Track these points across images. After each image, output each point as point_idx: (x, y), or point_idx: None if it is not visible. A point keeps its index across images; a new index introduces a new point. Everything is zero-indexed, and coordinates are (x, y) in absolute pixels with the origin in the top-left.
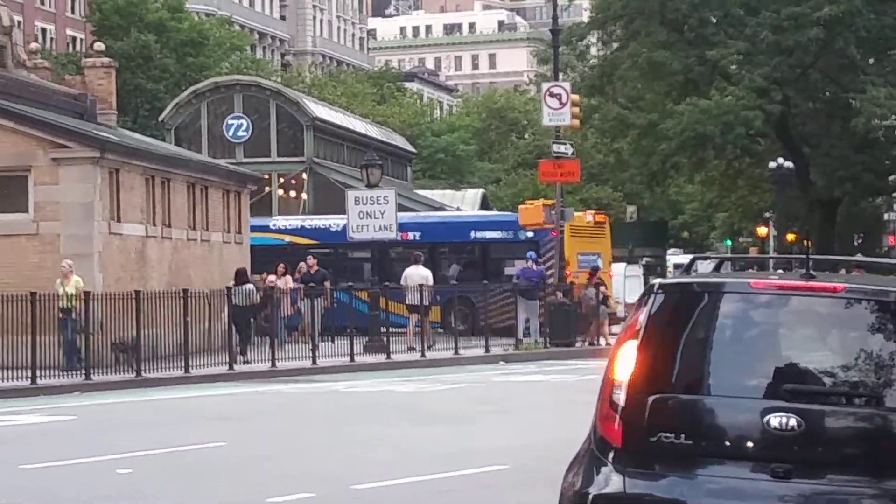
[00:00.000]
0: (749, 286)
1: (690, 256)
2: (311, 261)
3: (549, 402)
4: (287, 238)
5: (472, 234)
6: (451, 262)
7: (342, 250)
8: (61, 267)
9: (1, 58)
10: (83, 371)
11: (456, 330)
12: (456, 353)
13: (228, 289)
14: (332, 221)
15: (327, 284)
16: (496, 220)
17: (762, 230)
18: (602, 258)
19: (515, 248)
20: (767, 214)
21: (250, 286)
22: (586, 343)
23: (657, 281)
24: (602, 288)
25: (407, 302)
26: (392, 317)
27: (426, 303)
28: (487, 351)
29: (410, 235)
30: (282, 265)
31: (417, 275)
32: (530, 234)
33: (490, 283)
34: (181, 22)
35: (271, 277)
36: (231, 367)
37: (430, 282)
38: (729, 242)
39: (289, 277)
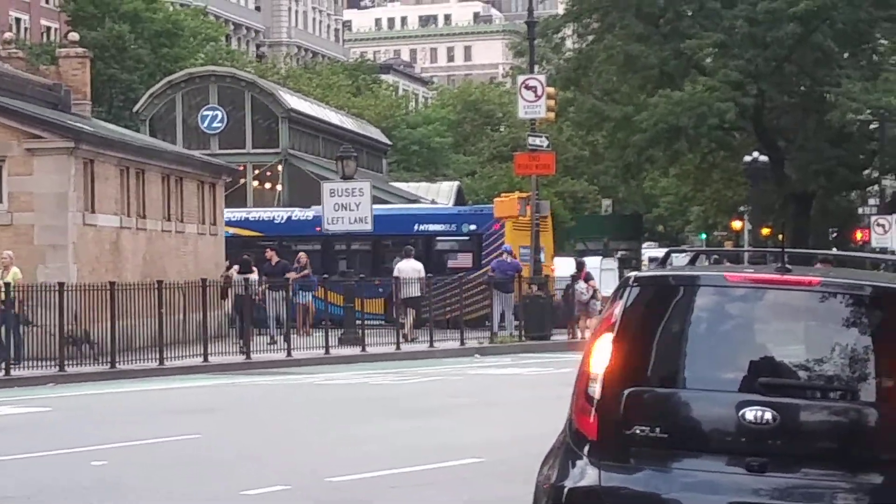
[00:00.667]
0: (724, 279)
1: (665, 250)
2: (270, 253)
3: (525, 396)
4: (231, 230)
5: (416, 227)
6: (395, 255)
7: (286, 243)
8: (2, 257)
9: None
10: (57, 362)
11: (399, 323)
12: (431, 345)
13: (215, 277)
14: (276, 214)
15: (290, 276)
16: (439, 214)
17: (737, 224)
18: (545, 252)
19: (459, 241)
20: (742, 208)
21: (254, 276)
22: (571, 336)
23: (632, 274)
24: (591, 282)
25: (402, 296)
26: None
27: (419, 295)
28: (463, 344)
29: (323, 228)
30: (245, 257)
31: (411, 268)
32: (473, 228)
33: (434, 277)
34: (156, 12)
35: (235, 268)
36: (206, 360)
37: (423, 274)
38: (704, 236)
39: (255, 270)
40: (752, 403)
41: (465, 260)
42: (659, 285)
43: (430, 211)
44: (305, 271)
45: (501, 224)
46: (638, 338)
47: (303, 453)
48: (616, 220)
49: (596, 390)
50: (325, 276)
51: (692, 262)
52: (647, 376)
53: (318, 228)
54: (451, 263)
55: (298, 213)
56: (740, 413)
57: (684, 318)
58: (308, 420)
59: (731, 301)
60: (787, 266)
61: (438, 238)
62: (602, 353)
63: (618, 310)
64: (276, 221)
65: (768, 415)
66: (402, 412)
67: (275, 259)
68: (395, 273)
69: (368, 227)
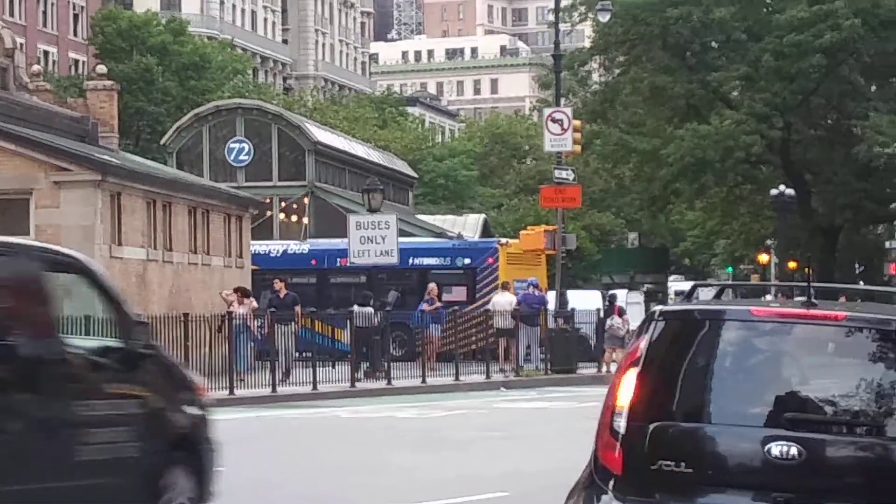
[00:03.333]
0: (750, 314)
1: (692, 283)
2: (279, 285)
3: (550, 429)
4: None
5: (411, 260)
6: (390, 289)
7: (281, 276)
8: None
9: (3, 80)
10: None
11: (391, 356)
12: (456, 378)
13: (350, 311)
14: (272, 247)
15: (297, 309)
16: (434, 248)
17: (763, 257)
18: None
19: (453, 274)
20: (769, 242)
21: (370, 309)
22: (603, 370)
23: (658, 308)
24: (625, 317)
25: (496, 326)
26: (338, 344)
27: (510, 327)
28: (488, 377)
29: (349, 261)
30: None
31: (505, 301)
32: (467, 261)
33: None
34: (183, 45)
35: (234, 301)
36: (232, 392)
37: (514, 306)
38: (730, 269)
39: (253, 301)
40: (777, 438)
41: (459, 293)
42: (684, 319)
43: (424, 245)
44: (437, 304)
45: (496, 258)
46: (663, 372)
47: (327, 485)
48: (642, 254)
49: (621, 425)
50: (313, 309)
51: (718, 295)
52: (673, 411)
53: (313, 262)
54: (445, 297)
55: (294, 247)
56: (766, 448)
57: (710, 353)
58: (333, 452)
59: (757, 336)
60: (814, 301)
61: (433, 271)
62: (627, 388)
63: (643, 344)
64: (272, 255)
65: (794, 450)
66: (427, 445)
67: (283, 291)
68: (490, 306)
69: (394, 259)
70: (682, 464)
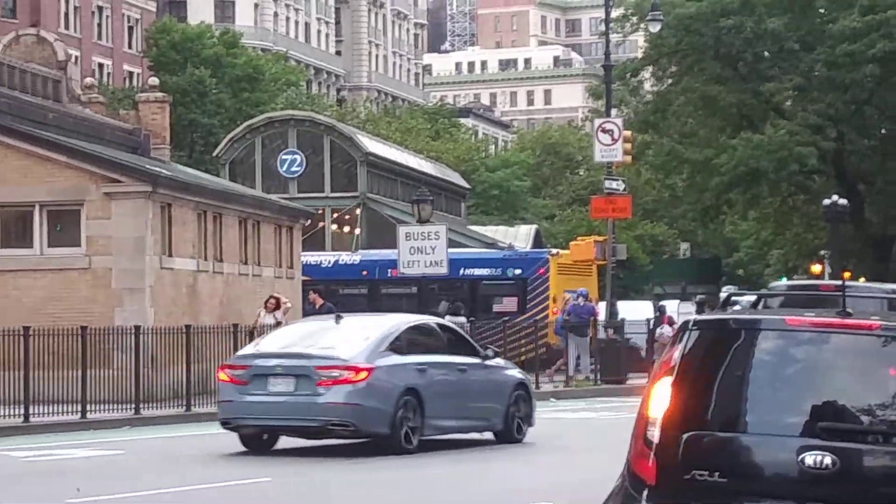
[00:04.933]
0: (785, 323)
1: (728, 292)
2: (313, 296)
3: (597, 440)
4: None
5: (462, 271)
6: (441, 300)
7: (332, 286)
8: None
9: (56, 92)
10: (133, 405)
11: None
12: None
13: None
14: (323, 258)
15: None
16: (485, 258)
17: (817, 267)
18: (590, 296)
19: (504, 285)
20: (822, 252)
21: (462, 318)
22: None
23: (692, 317)
24: (675, 326)
25: None
26: None
27: None
28: (538, 388)
29: (399, 271)
30: (273, 298)
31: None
32: (518, 272)
33: (477, 320)
34: (237, 57)
35: (262, 311)
36: None
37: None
38: (784, 280)
39: (286, 306)
40: (812, 448)
41: (510, 304)
42: (719, 329)
43: (475, 256)
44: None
45: (547, 268)
46: (697, 382)
47: (372, 497)
48: (694, 264)
49: (655, 434)
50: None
51: (755, 305)
52: (707, 420)
53: (364, 273)
54: (496, 307)
55: (345, 258)
56: (800, 458)
57: (745, 362)
58: (379, 464)
59: (791, 345)
60: (849, 310)
61: (484, 282)
62: (661, 397)
63: (677, 353)
64: (322, 265)
65: (828, 459)
66: (475, 456)
67: (319, 302)
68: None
69: (444, 270)
70: (716, 473)
